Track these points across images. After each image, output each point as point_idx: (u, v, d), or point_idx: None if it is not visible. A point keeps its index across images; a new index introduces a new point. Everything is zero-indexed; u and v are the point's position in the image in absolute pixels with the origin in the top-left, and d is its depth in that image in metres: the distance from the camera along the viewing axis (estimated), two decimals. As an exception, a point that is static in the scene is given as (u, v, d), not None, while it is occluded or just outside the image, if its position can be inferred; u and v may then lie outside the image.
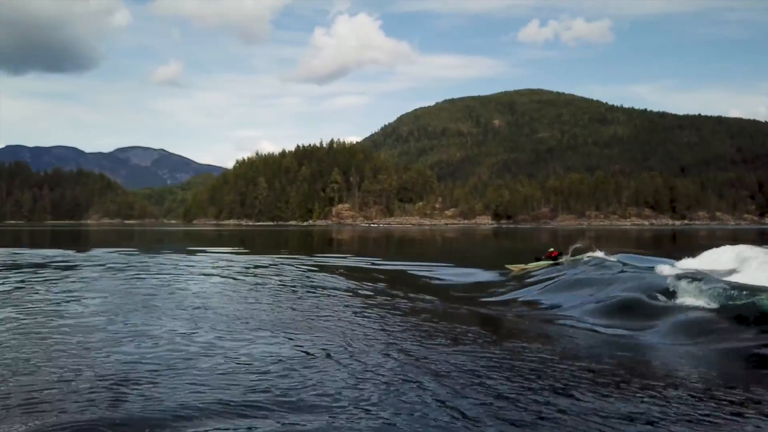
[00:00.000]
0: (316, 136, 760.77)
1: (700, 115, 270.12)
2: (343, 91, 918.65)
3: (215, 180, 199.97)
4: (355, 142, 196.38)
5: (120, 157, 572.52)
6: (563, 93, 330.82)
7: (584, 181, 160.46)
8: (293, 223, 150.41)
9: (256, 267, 21.38)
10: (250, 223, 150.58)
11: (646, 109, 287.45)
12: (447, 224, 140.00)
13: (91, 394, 5.50)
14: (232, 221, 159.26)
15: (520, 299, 13.02)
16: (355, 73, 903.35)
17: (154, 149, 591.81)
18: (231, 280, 16.58)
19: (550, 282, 14.82)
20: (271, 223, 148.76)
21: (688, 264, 15.04)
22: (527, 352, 7.52)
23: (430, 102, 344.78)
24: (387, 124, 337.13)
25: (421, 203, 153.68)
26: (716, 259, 14.58)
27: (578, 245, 18.57)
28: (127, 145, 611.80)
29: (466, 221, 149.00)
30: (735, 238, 54.24)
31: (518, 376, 6.31)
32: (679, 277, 11.73)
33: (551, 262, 18.15)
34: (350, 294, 13.66)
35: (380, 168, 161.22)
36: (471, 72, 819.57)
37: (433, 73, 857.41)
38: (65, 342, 7.75)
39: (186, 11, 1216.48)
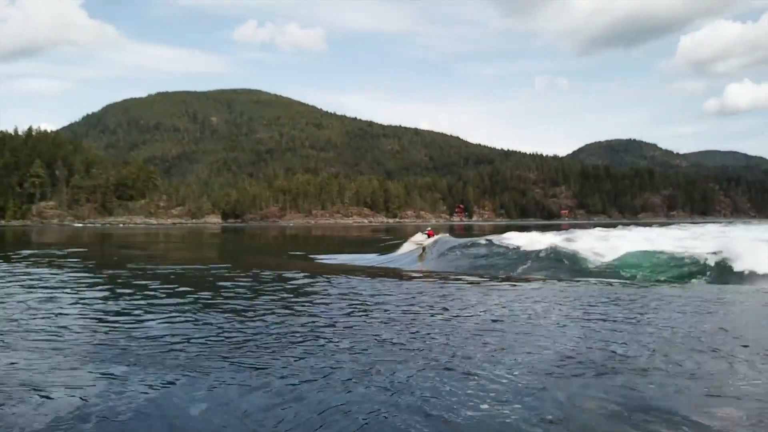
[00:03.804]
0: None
1: (400, 125, 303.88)
2: (33, 73, 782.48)
3: None
4: (50, 131, 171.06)
5: None
6: (281, 96, 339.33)
7: (310, 182, 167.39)
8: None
9: None
10: None
11: (356, 117, 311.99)
12: (175, 224, 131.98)
13: None
14: None
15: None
16: (50, 54, 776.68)
17: None
18: None
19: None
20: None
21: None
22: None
23: (141, 93, 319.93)
24: (91, 113, 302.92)
25: (143, 201, 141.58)
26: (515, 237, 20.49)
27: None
28: None
29: (194, 220, 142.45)
30: (438, 230, 64.87)
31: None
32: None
33: (432, 238, 22.10)
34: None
35: (94, 162, 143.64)
36: (186, 66, 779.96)
37: (145, 64, 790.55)
38: None
39: None
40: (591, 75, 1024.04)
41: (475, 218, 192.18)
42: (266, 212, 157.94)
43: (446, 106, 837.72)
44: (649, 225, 51.99)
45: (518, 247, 17.01)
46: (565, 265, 14.64)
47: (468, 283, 11.85)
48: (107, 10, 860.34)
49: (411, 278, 13.15)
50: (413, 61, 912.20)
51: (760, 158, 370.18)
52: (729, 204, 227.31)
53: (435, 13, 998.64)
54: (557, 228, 55.89)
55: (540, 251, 15.78)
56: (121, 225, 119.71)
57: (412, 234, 24.56)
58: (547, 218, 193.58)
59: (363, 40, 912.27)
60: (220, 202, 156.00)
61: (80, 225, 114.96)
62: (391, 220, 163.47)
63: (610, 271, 13.77)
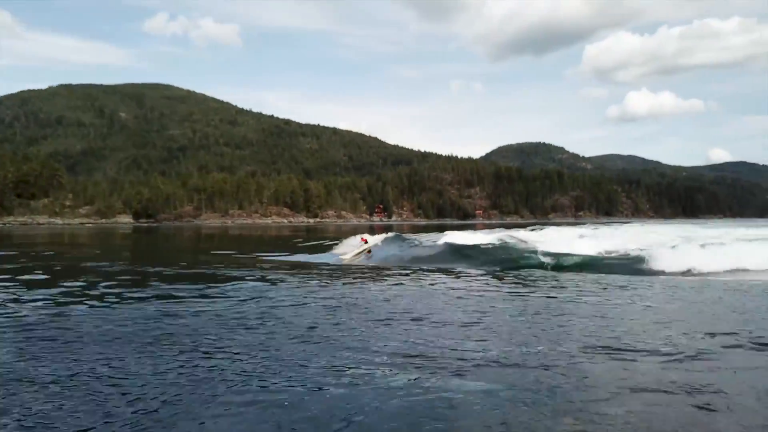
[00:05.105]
0: None
1: (319, 124, 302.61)
2: None
3: None
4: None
5: None
6: (194, 91, 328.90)
7: (227, 181, 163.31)
8: None
9: None
10: None
11: (273, 115, 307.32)
12: (83, 224, 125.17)
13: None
14: None
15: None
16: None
17: None
18: None
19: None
20: None
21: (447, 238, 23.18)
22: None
23: (41, 85, 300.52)
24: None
25: (47, 200, 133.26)
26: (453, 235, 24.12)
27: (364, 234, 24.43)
28: None
29: (104, 220, 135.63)
30: (357, 229, 66.44)
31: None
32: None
33: (366, 245, 22.11)
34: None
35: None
36: (92, 58, 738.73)
37: (45, 54, 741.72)
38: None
39: None
40: (503, 80, 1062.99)
41: (394, 218, 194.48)
42: (180, 212, 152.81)
43: (365, 106, 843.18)
44: (560, 225, 55.31)
45: (469, 244, 18.28)
46: (517, 260, 16.16)
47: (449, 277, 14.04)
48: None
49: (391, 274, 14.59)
50: (332, 61, 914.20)
51: (657, 162, 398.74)
52: (630, 205, 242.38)
53: (354, 14, 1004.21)
54: (472, 228, 58.54)
55: (489, 247, 17.16)
56: (37, 224, 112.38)
57: (335, 233, 25.23)
58: (462, 218, 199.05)
59: (280, 37, 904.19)
60: (131, 201, 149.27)
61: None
62: (311, 220, 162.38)
63: (560, 266, 15.57)
